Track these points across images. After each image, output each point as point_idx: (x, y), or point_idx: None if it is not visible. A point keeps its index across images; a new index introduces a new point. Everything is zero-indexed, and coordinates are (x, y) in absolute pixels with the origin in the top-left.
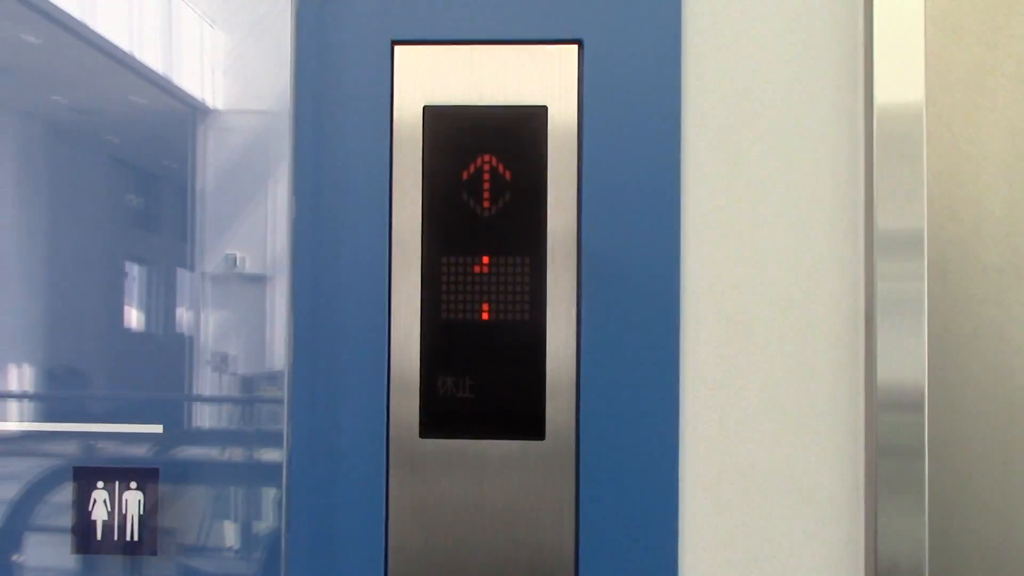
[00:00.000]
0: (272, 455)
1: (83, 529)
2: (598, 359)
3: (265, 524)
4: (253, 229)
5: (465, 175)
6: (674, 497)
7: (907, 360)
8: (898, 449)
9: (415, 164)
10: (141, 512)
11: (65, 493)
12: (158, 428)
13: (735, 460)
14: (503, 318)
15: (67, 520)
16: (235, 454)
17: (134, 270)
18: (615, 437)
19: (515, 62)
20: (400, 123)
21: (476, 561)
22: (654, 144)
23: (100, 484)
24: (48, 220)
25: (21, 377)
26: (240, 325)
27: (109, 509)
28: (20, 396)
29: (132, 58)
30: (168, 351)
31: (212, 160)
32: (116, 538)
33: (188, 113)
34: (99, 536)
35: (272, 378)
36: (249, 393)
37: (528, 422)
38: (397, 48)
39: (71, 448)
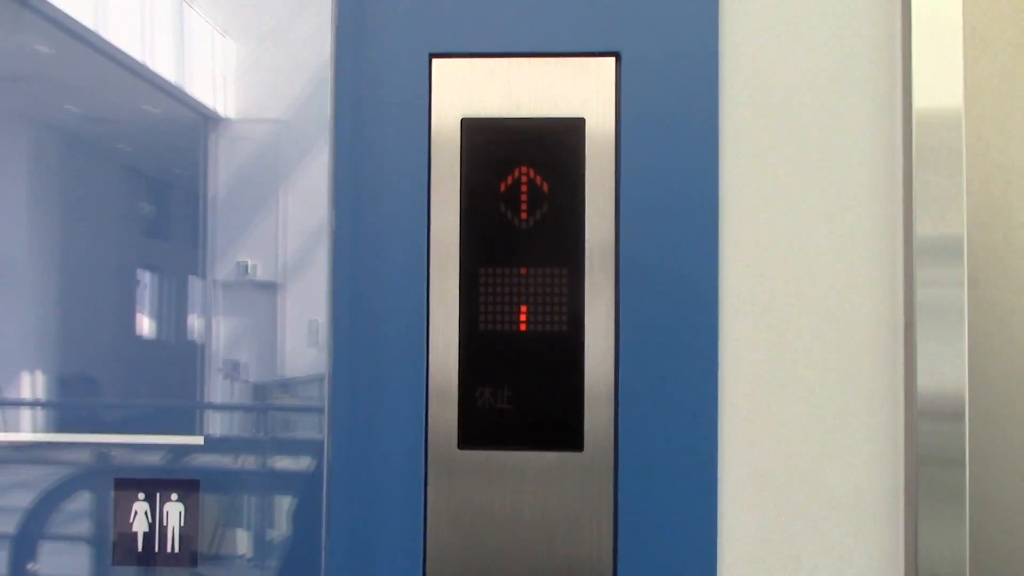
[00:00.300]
0: (300, 464)
1: (125, 541)
2: (637, 370)
3: (302, 533)
4: (264, 237)
5: (503, 187)
6: (713, 508)
7: (947, 368)
8: (939, 458)
9: (453, 176)
10: (182, 524)
11: (81, 501)
12: (199, 440)
13: (775, 470)
14: (541, 329)
15: (86, 528)
16: (268, 463)
17: (146, 278)
18: (654, 448)
19: (553, 75)
20: (438, 135)
21: (514, 571)
22: (692, 155)
23: (141, 496)
24: (61, 228)
25: (34, 384)
26: (251, 333)
27: (150, 521)
28: (35, 404)
29: (144, 67)
30: (179, 359)
31: (224, 168)
32: (157, 550)
33: (200, 122)
34: (140, 548)
35: (284, 386)
36: (262, 401)
37: (566, 433)
38: (435, 61)
39: (87, 456)
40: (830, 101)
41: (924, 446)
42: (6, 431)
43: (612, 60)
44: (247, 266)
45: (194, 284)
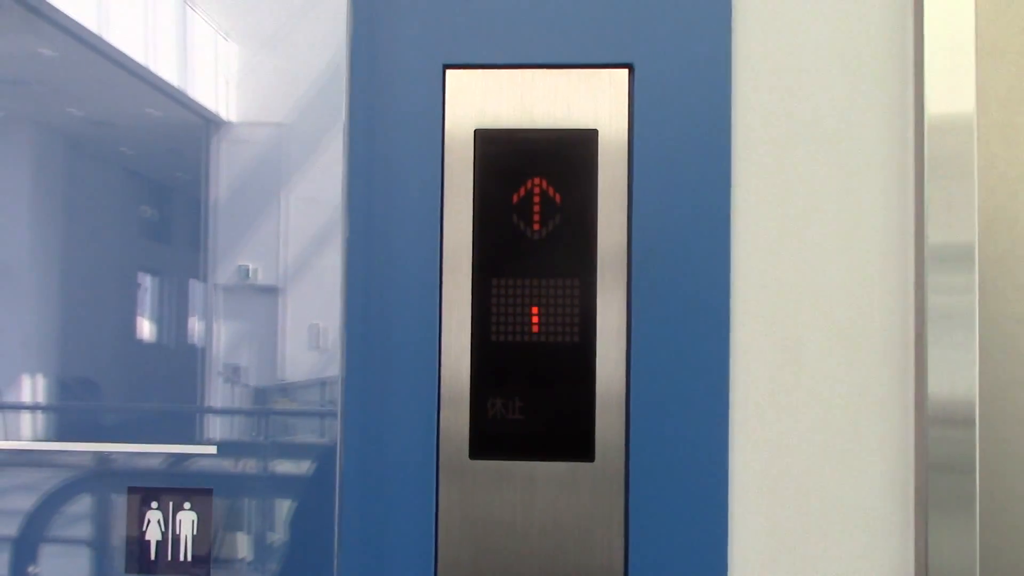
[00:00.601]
0: (312, 469)
1: (137, 549)
2: (648, 381)
3: (313, 539)
4: (266, 241)
5: (515, 198)
6: (724, 518)
7: (958, 374)
8: (950, 465)
9: (466, 186)
10: (194, 532)
11: (89, 506)
12: (212, 449)
13: (785, 480)
14: (553, 340)
15: (95, 536)
16: (279, 469)
17: (147, 281)
18: (665, 459)
19: (566, 86)
20: (451, 146)
21: None
22: (705, 167)
23: (154, 504)
24: (63, 231)
25: (34, 388)
26: (252, 337)
27: (163, 529)
28: (35, 408)
29: (147, 71)
30: (180, 362)
31: (225, 172)
32: (170, 558)
33: (202, 125)
34: (153, 556)
35: (284, 390)
36: (262, 405)
37: (578, 444)
38: (449, 72)
39: (96, 463)
40: (842, 109)
41: (935, 453)
42: (7, 437)
43: (625, 72)
44: (248, 270)
45: (195, 288)
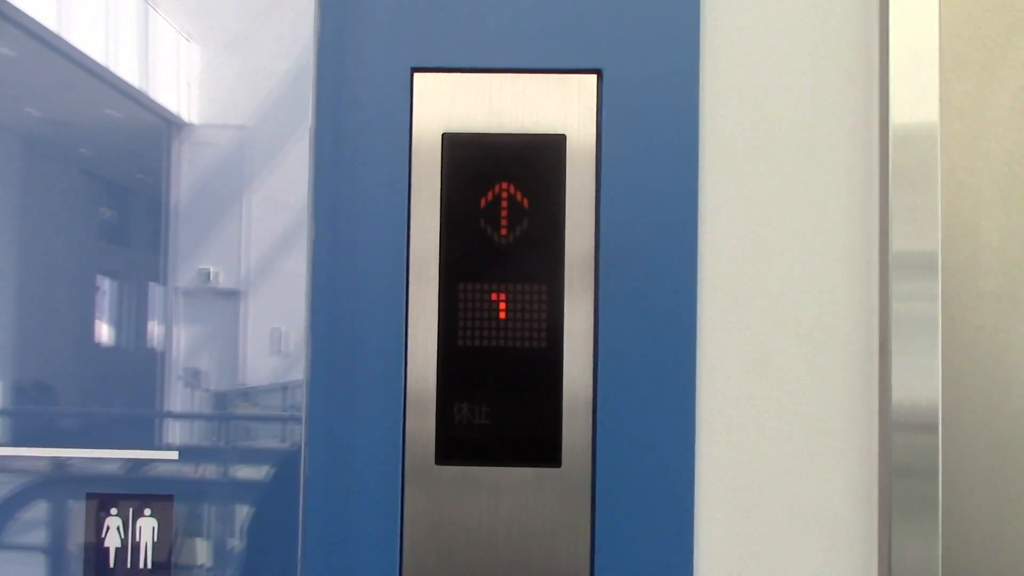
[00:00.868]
0: (265, 473)
1: (96, 556)
2: (615, 387)
3: (277, 544)
4: (227, 244)
5: (483, 202)
6: (689, 524)
7: (922, 381)
8: (912, 470)
9: (433, 191)
10: (155, 539)
11: (39, 510)
12: (173, 455)
13: (751, 486)
14: (520, 345)
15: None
16: (242, 474)
17: (106, 284)
18: (631, 465)
19: (534, 91)
20: (419, 150)
21: None
22: (672, 173)
23: (113, 511)
24: (19, 232)
25: None
26: (213, 341)
27: (122, 536)
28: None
29: (107, 71)
30: (140, 366)
31: (186, 174)
32: (129, 566)
33: (163, 127)
34: (112, 564)
35: (246, 395)
36: (223, 410)
37: (544, 449)
38: (416, 75)
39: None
40: (808, 118)
41: (898, 458)
42: None
43: (594, 77)
44: (209, 273)
45: (155, 291)
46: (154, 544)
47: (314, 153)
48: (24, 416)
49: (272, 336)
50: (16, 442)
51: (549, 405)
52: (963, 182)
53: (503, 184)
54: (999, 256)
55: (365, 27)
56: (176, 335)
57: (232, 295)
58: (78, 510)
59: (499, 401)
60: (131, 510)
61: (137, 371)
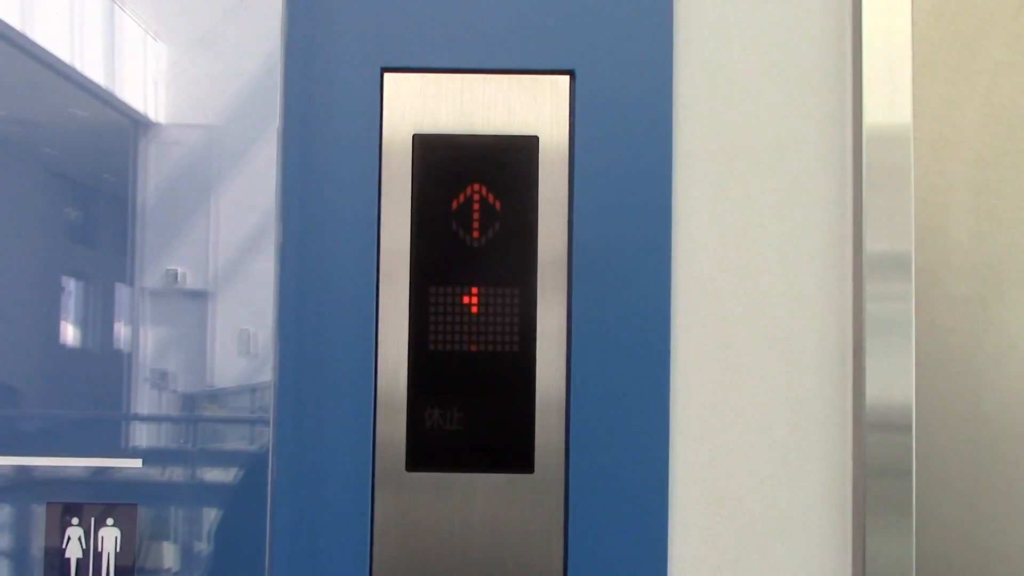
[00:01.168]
0: (231, 476)
1: (57, 568)
2: (588, 391)
3: (244, 549)
4: (195, 245)
5: (455, 204)
6: (664, 529)
7: (895, 381)
8: (887, 470)
9: (404, 193)
10: (117, 549)
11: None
12: (137, 463)
13: (725, 490)
14: (492, 349)
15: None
16: (206, 476)
17: (71, 285)
18: (605, 470)
19: (506, 92)
20: (389, 151)
21: None
22: (645, 175)
23: (75, 521)
24: None
25: None
26: (180, 342)
27: (84, 547)
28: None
29: (73, 70)
30: (105, 368)
31: (153, 174)
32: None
33: (129, 126)
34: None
35: (214, 396)
36: (190, 412)
37: (517, 455)
38: (387, 75)
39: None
40: (782, 119)
41: (872, 459)
42: None
43: (567, 78)
44: (177, 274)
45: (121, 292)
46: (117, 554)
47: (282, 153)
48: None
49: (240, 337)
50: None
51: (521, 410)
52: (933, 184)
53: (475, 186)
54: (969, 259)
55: (334, 26)
56: (143, 336)
57: (200, 296)
58: (38, 519)
59: (471, 406)
60: (93, 519)
61: (103, 373)
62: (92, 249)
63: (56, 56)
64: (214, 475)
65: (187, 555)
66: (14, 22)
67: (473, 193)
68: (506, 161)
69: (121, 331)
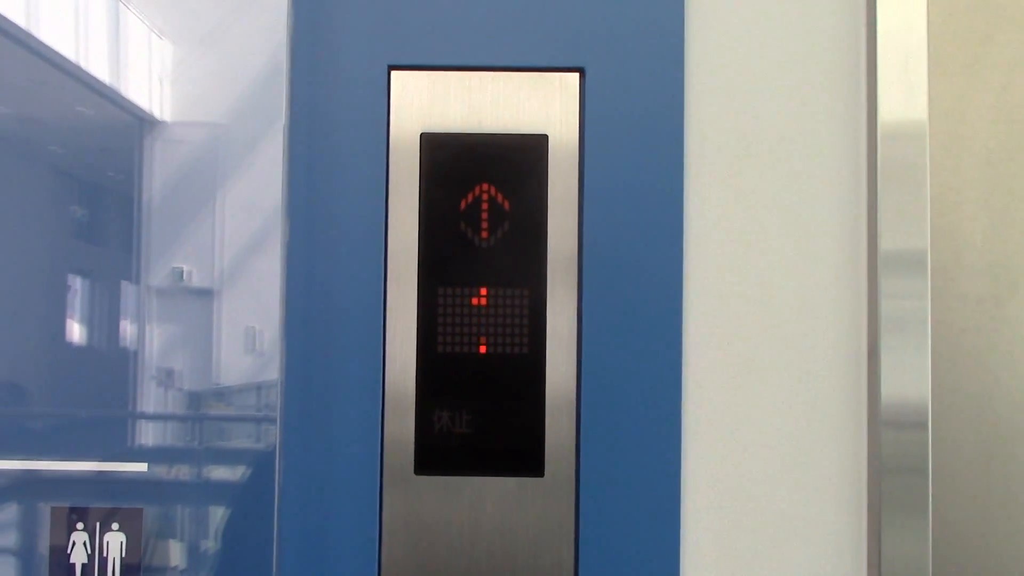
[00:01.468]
0: (238, 475)
1: (62, 573)
2: (599, 393)
3: (251, 548)
4: (200, 243)
5: (463, 204)
6: (676, 533)
7: (911, 379)
8: (902, 468)
9: (412, 192)
10: (123, 554)
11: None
12: (142, 467)
13: (738, 492)
14: (501, 351)
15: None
16: (212, 474)
17: (77, 283)
18: (616, 473)
19: (515, 90)
20: (396, 150)
21: None
22: (656, 174)
23: (80, 525)
24: None
25: None
26: (186, 340)
27: (89, 552)
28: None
29: (78, 68)
30: (112, 366)
31: (159, 172)
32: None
33: (135, 124)
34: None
35: (220, 395)
36: (196, 410)
37: (527, 458)
38: (394, 73)
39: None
40: (795, 116)
41: (888, 457)
42: None
43: (576, 76)
44: (183, 272)
45: (127, 290)
46: (122, 560)
47: (288, 152)
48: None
49: (246, 335)
50: None
51: (532, 413)
52: (945, 182)
53: (483, 185)
54: (982, 257)
55: (341, 23)
56: (149, 334)
57: (206, 294)
58: (43, 521)
59: (480, 409)
60: (98, 523)
61: (109, 371)
62: (98, 247)
63: (62, 54)
64: (221, 473)
65: (193, 554)
66: (19, 20)
67: (481, 192)
68: (515, 160)
69: (127, 329)
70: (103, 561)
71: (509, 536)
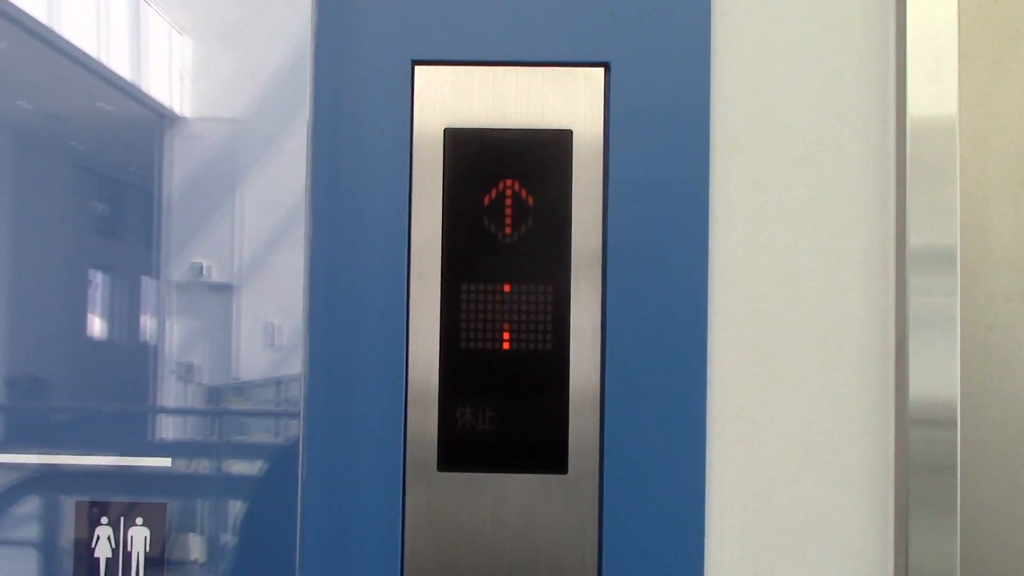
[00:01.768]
0: (253, 469)
1: (86, 567)
2: (624, 390)
3: (274, 543)
4: (220, 238)
5: (487, 200)
6: (700, 531)
7: (940, 376)
8: (930, 466)
9: (435, 188)
10: (147, 549)
11: (27, 509)
12: (166, 462)
13: (763, 490)
14: (525, 348)
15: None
16: (234, 469)
17: (98, 278)
18: (640, 471)
19: (539, 84)
20: (420, 145)
21: None
22: (682, 169)
23: (104, 520)
24: (11, 226)
25: None
26: (206, 335)
27: (113, 546)
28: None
29: (99, 64)
30: (132, 361)
31: (179, 168)
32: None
33: (155, 120)
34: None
35: (239, 389)
36: (216, 404)
37: (550, 455)
38: (418, 68)
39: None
40: (823, 112)
41: (916, 455)
42: None
43: (601, 70)
44: (202, 267)
45: (147, 285)
46: (146, 554)
47: (311, 147)
48: (14, 412)
49: (265, 330)
50: (7, 438)
51: (555, 410)
52: (973, 178)
53: (507, 181)
54: (1010, 254)
55: (364, 18)
56: (169, 329)
57: (225, 289)
58: (66, 514)
59: (503, 405)
60: (123, 518)
61: (130, 365)
62: (118, 242)
63: (83, 50)
64: (243, 468)
65: (216, 548)
66: (41, 16)
67: (505, 188)
68: (539, 155)
69: (147, 324)
70: (127, 555)
71: (532, 533)
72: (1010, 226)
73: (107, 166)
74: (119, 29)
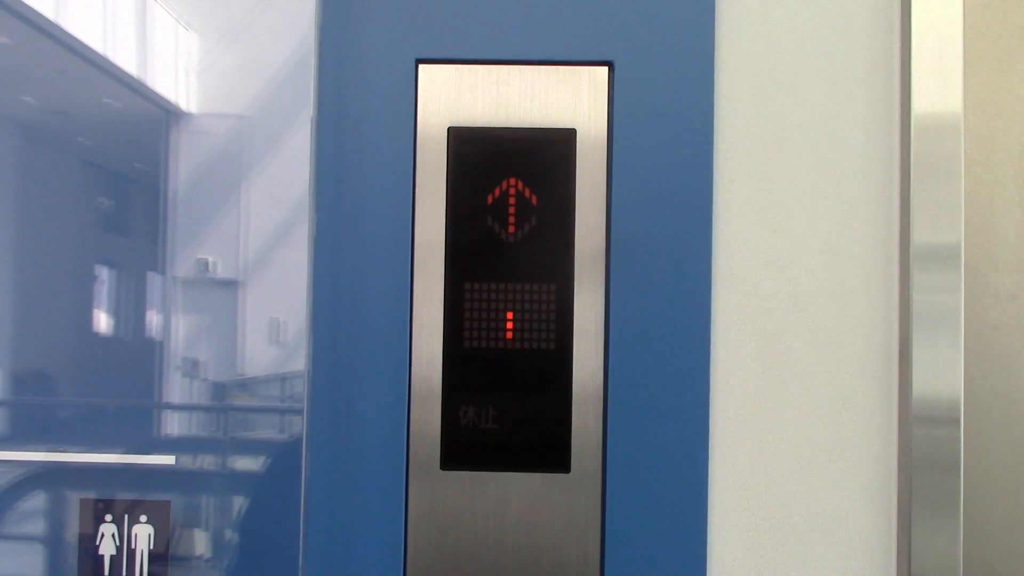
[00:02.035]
0: (257, 465)
1: (91, 566)
2: (627, 389)
3: (277, 539)
4: (226, 234)
5: (490, 199)
6: (703, 531)
7: (943, 373)
8: (934, 464)
9: (439, 186)
10: (151, 546)
11: (31, 505)
12: (170, 459)
13: (766, 489)
14: (528, 346)
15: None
16: (238, 464)
17: (104, 273)
18: (643, 470)
19: (543, 83)
20: (424, 144)
21: None
22: (686, 168)
23: (108, 517)
24: (17, 222)
25: None
26: (211, 331)
27: (117, 544)
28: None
29: (105, 60)
30: (137, 356)
31: (185, 163)
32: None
33: (161, 116)
34: (107, 573)
35: (243, 385)
36: (221, 400)
37: (553, 454)
38: (421, 67)
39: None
40: (827, 110)
41: (919, 453)
42: None
43: (605, 69)
44: (208, 263)
45: (153, 281)
46: (150, 551)
47: (315, 144)
48: (20, 407)
49: (270, 326)
50: (10, 435)
51: (558, 408)
52: (979, 177)
53: (511, 180)
54: (1015, 252)
55: (368, 16)
56: (174, 325)
57: (231, 285)
58: (71, 510)
59: (506, 404)
60: (127, 516)
61: (135, 361)
62: (124, 238)
63: (89, 46)
64: (246, 464)
65: (220, 544)
66: (48, 12)
67: (509, 187)
68: (543, 154)
69: (152, 320)
70: (131, 553)
71: (535, 532)
72: (1015, 224)
73: (113, 162)
74: (125, 25)
